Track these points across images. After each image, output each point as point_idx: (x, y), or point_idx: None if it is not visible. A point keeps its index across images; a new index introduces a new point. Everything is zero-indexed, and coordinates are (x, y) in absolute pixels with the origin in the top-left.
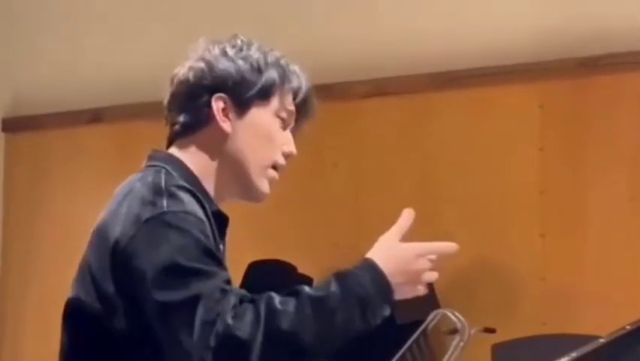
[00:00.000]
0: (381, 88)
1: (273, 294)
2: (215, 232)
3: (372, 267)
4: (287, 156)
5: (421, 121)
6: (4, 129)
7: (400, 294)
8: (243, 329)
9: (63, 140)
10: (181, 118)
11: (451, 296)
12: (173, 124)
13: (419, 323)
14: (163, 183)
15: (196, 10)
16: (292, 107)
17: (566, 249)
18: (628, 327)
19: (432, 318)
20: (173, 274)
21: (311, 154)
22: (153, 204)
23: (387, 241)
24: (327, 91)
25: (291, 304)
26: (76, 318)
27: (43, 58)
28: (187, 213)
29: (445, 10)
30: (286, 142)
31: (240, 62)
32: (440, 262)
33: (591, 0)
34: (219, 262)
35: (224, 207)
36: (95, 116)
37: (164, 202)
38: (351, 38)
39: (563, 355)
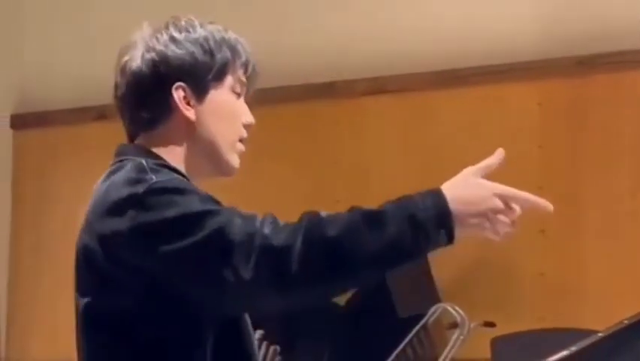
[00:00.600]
0: (383, 86)
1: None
2: None
3: (436, 192)
4: (247, 126)
5: (422, 119)
6: (12, 126)
7: (463, 227)
8: (280, 237)
9: (70, 136)
10: (143, 114)
11: (451, 291)
12: (134, 120)
13: (420, 317)
14: (145, 163)
15: (202, 9)
16: (244, 78)
17: (566, 245)
18: (626, 322)
19: (432, 312)
20: (185, 223)
21: (312, 152)
22: (141, 180)
23: (466, 173)
24: (329, 88)
25: (341, 215)
26: (98, 321)
27: (51, 55)
28: (175, 179)
29: (446, 9)
30: (244, 113)
31: (191, 47)
32: (518, 215)
33: None
34: (224, 206)
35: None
36: (101, 113)
37: (152, 176)
38: (353, 36)
39: (561, 349)
